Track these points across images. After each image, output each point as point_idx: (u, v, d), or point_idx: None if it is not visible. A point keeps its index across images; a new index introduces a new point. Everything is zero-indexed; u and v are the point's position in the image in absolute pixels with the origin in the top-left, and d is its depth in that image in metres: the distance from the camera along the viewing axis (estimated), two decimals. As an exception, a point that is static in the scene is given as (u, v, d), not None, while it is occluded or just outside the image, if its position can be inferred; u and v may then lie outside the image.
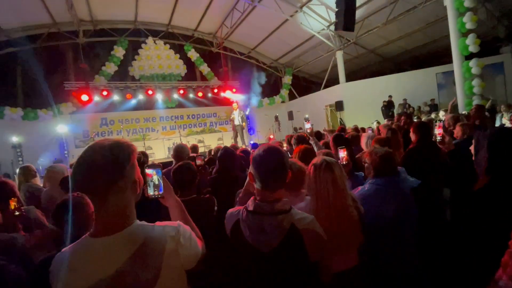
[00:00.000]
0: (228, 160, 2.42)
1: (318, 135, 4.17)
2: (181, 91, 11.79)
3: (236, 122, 8.67)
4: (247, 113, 13.42)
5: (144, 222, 0.89)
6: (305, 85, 15.10)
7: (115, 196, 0.82)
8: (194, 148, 4.28)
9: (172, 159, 2.96)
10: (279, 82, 15.13)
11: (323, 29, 10.89)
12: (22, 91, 9.68)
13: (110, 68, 10.79)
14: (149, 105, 11.50)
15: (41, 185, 3.02)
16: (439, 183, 2.31)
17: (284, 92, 14.87)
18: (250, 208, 1.11)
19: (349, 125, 8.41)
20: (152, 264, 0.82)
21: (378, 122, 6.80)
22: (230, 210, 1.20)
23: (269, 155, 1.09)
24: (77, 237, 0.87)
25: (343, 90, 11.60)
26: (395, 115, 8.53)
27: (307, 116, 2.97)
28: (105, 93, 10.24)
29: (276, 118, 13.03)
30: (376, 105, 10.08)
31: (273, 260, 1.04)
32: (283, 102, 14.90)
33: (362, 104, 10.86)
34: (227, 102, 13.18)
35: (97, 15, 10.11)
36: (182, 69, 12.37)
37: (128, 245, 0.81)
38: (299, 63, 14.43)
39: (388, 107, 9.83)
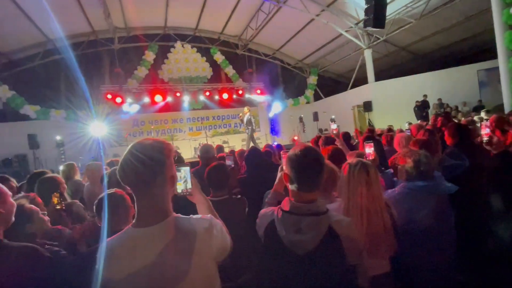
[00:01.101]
0: (256, 160, 2.41)
1: (347, 136, 4.05)
2: (207, 93, 12.09)
3: (249, 126, 8.71)
4: (270, 114, 13.43)
5: (180, 215, 0.95)
6: (331, 85, 14.74)
7: (156, 190, 0.89)
8: (220, 149, 4.37)
9: (197, 159, 3.03)
10: (304, 82, 14.93)
11: (351, 27, 10.56)
12: (65, 95, 10.54)
13: (142, 71, 11.40)
14: (176, 106, 11.92)
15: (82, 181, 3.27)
16: (483, 189, 2.11)
17: (309, 92, 14.64)
18: (286, 208, 1.08)
19: (378, 126, 8.06)
20: (188, 254, 0.88)
21: (410, 124, 6.44)
22: (264, 211, 1.18)
23: (306, 155, 1.07)
24: (116, 229, 0.94)
25: (372, 89, 11.15)
26: (430, 115, 8.00)
27: (333, 117, 2.90)
28: (136, 95, 10.83)
29: (301, 119, 12.86)
30: (408, 105, 9.55)
31: (309, 262, 1.02)
32: (308, 103, 14.67)
33: (393, 105, 10.35)
34: (251, 104, 13.30)
35: (130, 22, 10.74)
36: (208, 72, 12.72)
37: (167, 235, 0.88)
38: (325, 63, 14.12)
39: (422, 107, 9.26)
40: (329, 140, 2.87)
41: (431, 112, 9.08)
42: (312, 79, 14.58)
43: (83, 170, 3.67)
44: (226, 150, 10.19)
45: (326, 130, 12.20)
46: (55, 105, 10.09)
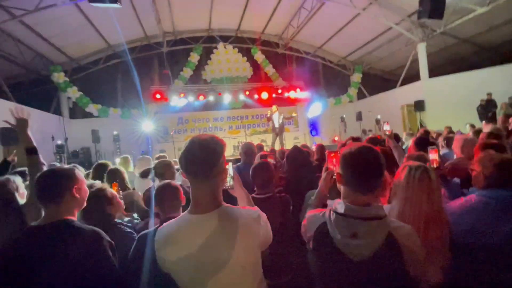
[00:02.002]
0: (297, 159, 2.38)
1: (395, 138, 3.73)
2: (247, 92, 12.31)
3: (276, 125, 8.59)
4: (310, 114, 13.10)
5: (230, 205, 1.04)
6: (377, 83, 13.80)
7: (212, 180, 0.99)
8: (260, 148, 4.51)
9: (236, 157, 3.12)
10: (346, 80, 14.25)
11: (402, 19, 9.74)
12: (121, 95, 11.71)
13: (187, 72, 12.08)
14: (218, 105, 12.32)
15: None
16: None
17: (352, 91, 13.94)
18: (340, 210, 1.02)
19: (431, 128, 7.30)
20: (238, 240, 0.96)
21: (473, 126, 5.69)
22: (313, 212, 1.13)
23: (364, 155, 1.01)
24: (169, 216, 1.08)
25: (425, 87, 10.14)
26: (499, 116, 6.95)
27: (379, 117, 2.71)
28: (182, 95, 11.51)
29: (342, 119, 12.32)
30: (469, 104, 8.47)
31: (365, 269, 0.96)
32: (350, 101, 13.98)
33: (449, 104, 9.27)
34: (291, 103, 13.13)
35: (178, 26, 11.45)
36: (248, 71, 12.93)
37: (221, 222, 0.97)
38: (371, 60, 13.27)
39: (486, 107, 8.13)
40: (375, 141, 2.72)
41: (499, 112, 7.90)
42: (356, 77, 13.84)
43: (134, 163, 4.06)
44: (265, 149, 10.30)
45: (370, 130, 11.47)
46: (113, 104, 11.28)
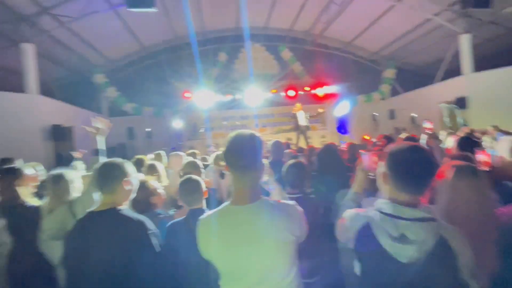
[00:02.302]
0: (330, 158, 2.37)
1: (433, 137, 3.51)
2: (274, 90, 12.26)
3: (301, 123, 8.53)
4: (338, 112, 12.69)
5: (268, 198, 1.12)
6: (412, 79, 12.93)
7: (253, 174, 1.07)
8: (287, 146, 4.47)
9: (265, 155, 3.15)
10: (378, 76, 13.58)
11: (443, 9, 9.03)
12: (154, 94, 12.23)
13: (215, 71, 12.35)
14: (245, 104, 12.46)
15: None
16: None
17: (385, 87, 13.24)
18: (387, 211, 0.98)
19: (474, 127, 6.71)
20: (278, 231, 1.02)
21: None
22: (354, 212, 1.10)
23: (414, 153, 0.97)
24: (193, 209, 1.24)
25: (469, 82, 9.32)
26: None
27: (415, 115, 2.57)
28: (210, 93, 11.79)
29: (374, 117, 11.79)
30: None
31: (414, 271, 0.92)
32: (383, 99, 13.31)
33: (497, 101, 8.43)
34: (318, 101, 12.84)
35: (206, 27, 11.72)
36: (276, 69, 12.90)
37: (261, 212, 1.04)
38: (406, 54, 12.47)
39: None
40: (412, 140, 2.53)
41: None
42: (389, 73, 13.12)
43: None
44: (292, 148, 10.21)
45: (404, 129, 10.84)
46: (146, 103, 11.88)
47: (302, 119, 8.63)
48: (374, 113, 11.89)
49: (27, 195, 2.02)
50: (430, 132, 2.47)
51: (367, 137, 11.04)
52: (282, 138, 10.78)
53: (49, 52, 9.20)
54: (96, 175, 1.40)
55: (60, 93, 10.04)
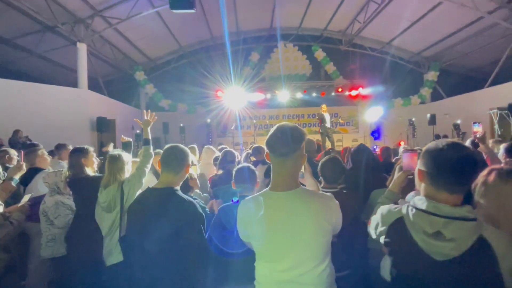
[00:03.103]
0: (364, 157, 2.35)
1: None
2: (305, 91, 12.12)
3: (328, 125, 8.42)
4: (372, 116, 12.11)
5: (305, 187, 1.16)
6: (457, 82, 11.95)
7: (293, 162, 1.11)
8: (318, 147, 4.51)
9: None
10: (419, 79, 12.76)
11: (498, 7, 8.22)
12: (188, 92, 12.74)
13: (247, 71, 12.54)
14: (275, 103, 12.51)
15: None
16: None
17: (426, 91, 12.45)
18: (421, 207, 0.96)
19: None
20: (316, 218, 1.06)
21: None
22: (386, 207, 1.09)
23: (454, 150, 0.93)
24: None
25: (525, 88, 8.40)
26: None
27: (458, 121, 2.42)
28: (241, 92, 12.00)
29: (411, 122, 11.10)
30: None
31: (450, 270, 0.91)
32: (422, 103, 12.54)
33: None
34: (351, 102, 12.45)
35: (241, 27, 11.95)
36: (308, 69, 12.81)
37: (300, 200, 1.08)
38: (452, 55, 11.57)
39: None
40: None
41: None
42: (431, 75, 12.28)
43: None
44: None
45: (445, 136, 10.06)
46: (180, 100, 12.47)
47: (328, 121, 8.46)
48: (411, 118, 11.15)
49: (91, 170, 2.34)
50: (479, 136, 2.26)
51: (402, 143, 10.48)
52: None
53: (98, 51, 10.09)
54: (165, 154, 1.51)
55: (106, 88, 10.95)
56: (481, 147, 2.26)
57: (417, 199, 0.99)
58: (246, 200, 1.17)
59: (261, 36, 12.71)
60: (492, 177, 1.11)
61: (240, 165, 1.89)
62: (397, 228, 1.00)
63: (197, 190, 2.38)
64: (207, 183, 2.93)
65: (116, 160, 2.08)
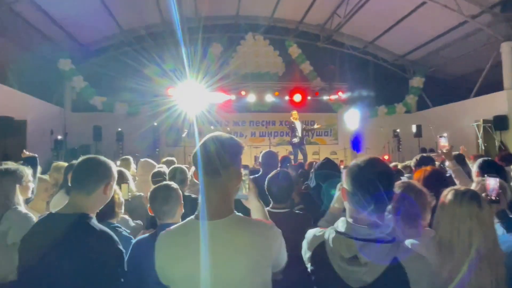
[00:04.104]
0: (329, 174, 2.47)
1: (460, 159, 3.57)
2: (276, 93, 12.39)
3: (299, 134, 8.78)
4: (353, 125, 12.77)
5: (241, 214, 1.12)
6: (444, 90, 13.19)
7: (225, 181, 1.09)
8: (285, 160, 4.56)
9: (255, 168, 3.23)
10: (404, 85, 13.85)
11: (483, 11, 9.35)
12: (130, 88, 12.27)
13: (207, 66, 12.46)
14: (240, 107, 12.57)
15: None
16: None
17: (411, 98, 13.57)
18: (341, 229, 1.09)
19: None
20: (248, 254, 1.03)
21: None
22: (312, 231, 1.22)
23: (371, 167, 1.08)
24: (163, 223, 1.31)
25: (511, 99, 9.56)
26: None
27: (445, 135, 2.71)
28: (199, 92, 11.86)
29: (395, 133, 11.93)
30: None
31: None
32: (408, 112, 13.61)
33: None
34: (329, 108, 13.00)
35: (200, 12, 11.92)
36: (280, 68, 13.17)
37: (229, 232, 1.05)
38: (438, 61, 12.83)
39: None
40: (426, 160, 2.90)
41: None
42: (417, 81, 13.46)
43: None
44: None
45: (432, 150, 10.96)
46: (120, 98, 11.95)
47: (300, 130, 8.76)
48: (396, 129, 11.99)
49: None
50: (446, 150, 2.48)
51: (386, 158, 11.16)
52: (283, 151, 10.95)
53: (6, 29, 9.33)
54: (76, 168, 1.43)
55: (15, 79, 10.08)
56: (448, 164, 2.47)
57: (340, 221, 1.12)
58: (165, 232, 1.14)
59: (226, 25, 12.85)
60: (448, 197, 1.28)
61: (160, 184, 1.85)
62: (319, 254, 1.11)
63: (126, 216, 2.30)
64: (143, 206, 2.72)
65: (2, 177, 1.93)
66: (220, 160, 1.07)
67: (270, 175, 2.12)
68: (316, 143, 13.07)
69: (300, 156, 9.09)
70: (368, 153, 12.22)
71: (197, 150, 1.12)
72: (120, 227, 1.85)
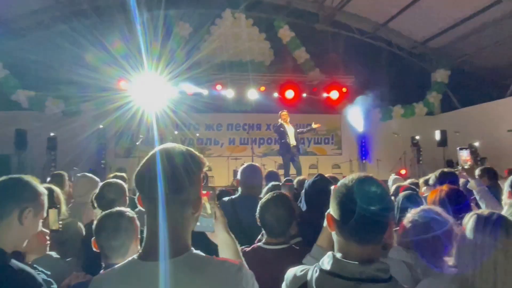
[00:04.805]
0: (320, 194, 2.42)
1: (491, 175, 3.98)
2: (263, 88, 12.18)
3: (292, 142, 8.80)
4: (360, 129, 12.79)
5: (200, 252, 1.14)
6: (475, 87, 13.36)
7: (178, 211, 1.11)
8: (272, 176, 4.49)
9: (234, 187, 3.47)
10: (425, 79, 13.95)
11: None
12: (68, 79, 11.86)
13: (171, 51, 12.12)
14: (215, 105, 12.30)
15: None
16: None
17: (434, 97, 13.70)
18: (326, 267, 1.13)
19: None
20: None
21: None
22: (293, 270, 1.27)
23: (365, 187, 1.11)
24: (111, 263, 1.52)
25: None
26: None
27: (476, 144, 2.87)
28: (160, 85, 11.52)
29: (414, 140, 11.91)
30: None
31: None
32: (429, 114, 13.69)
33: None
34: (331, 108, 12.89)
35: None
36: (267, 55, 13.01)
37: (181, 276, 1.05)
38: (467, 49, 12.92)
39: None
40: (447, 175, 3.04)
41: None
42: (441, 75, 13.57)
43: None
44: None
45: (457, 165, 11.07)
46: (53, 92, 11.57)
47: (292, 136, 8.67)
48: (415, 135, 12.00)
49: None
50: (468, 166, 2.72)
51: (403, 172, 11.14)
52: (270, 163, 10.76)
53: None
54: None
55: None
56: (471, 183, 2.68)
57: (326, 257, 1.17)
58: (99, 277, 1.17)
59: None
60: (469, 224, 1.33)
61: (111, 211, 1.90)
62: None
63: (52, 253, 2.27)
64: (79, 237, 2.70)
65: None
66: (171, 182, 1.07)
67: (263, 200, 2.13)
68: (313, 153, 12.98)
69: (293, 170, 8.91)
70: (379, 166, 12.23)
71: (140, 170, 1.11)
72: (37, 268, 1.71)
